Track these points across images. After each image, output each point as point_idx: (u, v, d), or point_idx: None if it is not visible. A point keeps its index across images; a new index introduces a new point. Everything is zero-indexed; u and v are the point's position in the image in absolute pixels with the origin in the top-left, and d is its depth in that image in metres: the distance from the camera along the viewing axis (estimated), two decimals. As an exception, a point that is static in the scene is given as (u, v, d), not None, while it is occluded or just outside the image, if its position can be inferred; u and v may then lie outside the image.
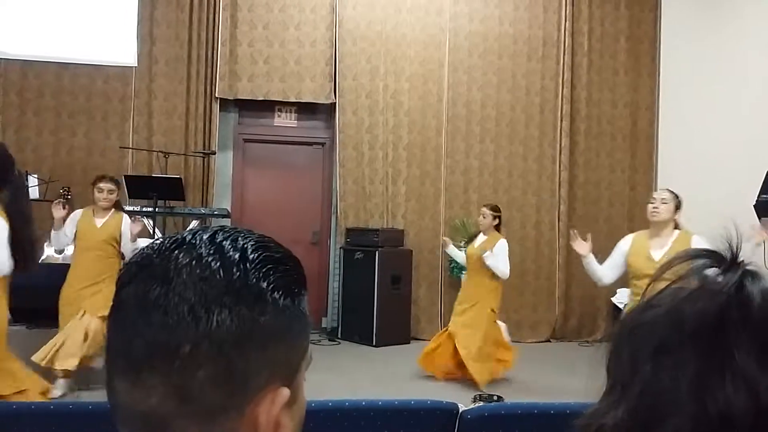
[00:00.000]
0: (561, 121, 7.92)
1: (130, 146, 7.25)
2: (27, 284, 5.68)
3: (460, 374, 5.52)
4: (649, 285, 0.59)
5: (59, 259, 6.65)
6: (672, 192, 4.24)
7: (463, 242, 7.48)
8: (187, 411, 0.54)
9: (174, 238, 0.59)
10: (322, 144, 7.99)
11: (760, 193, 5.57)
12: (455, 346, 5.45)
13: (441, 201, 7.79)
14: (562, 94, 7.92)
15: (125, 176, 6.60)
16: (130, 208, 6.32)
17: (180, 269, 0.56)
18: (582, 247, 4.49)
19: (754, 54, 6.52)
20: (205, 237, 0.59)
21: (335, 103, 7.61)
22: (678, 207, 4.17)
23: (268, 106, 7.76)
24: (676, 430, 0.49)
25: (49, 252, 6.65)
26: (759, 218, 5.42)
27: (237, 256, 0.58)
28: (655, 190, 8.00)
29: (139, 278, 0.57)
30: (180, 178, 6.61)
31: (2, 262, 2.90)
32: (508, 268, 5.51)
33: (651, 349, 0.52)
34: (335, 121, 7.65)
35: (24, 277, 5.77)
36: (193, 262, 0.56)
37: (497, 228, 5.70)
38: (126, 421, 0.56)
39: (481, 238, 5.73)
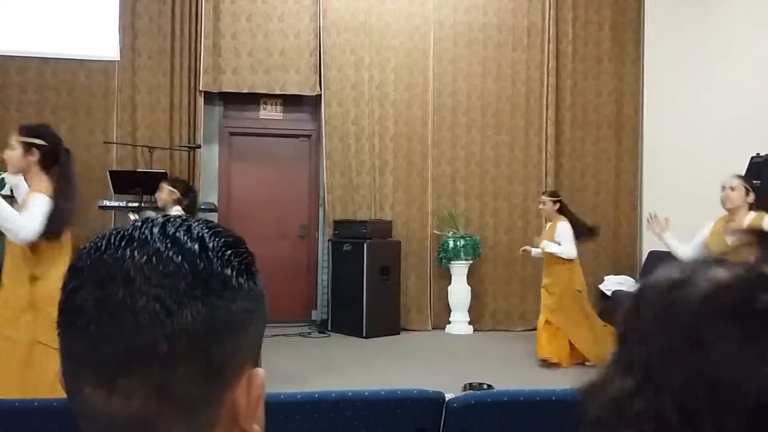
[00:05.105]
0: (546, 110, 7.93)
1: (115, 141, 7.20)
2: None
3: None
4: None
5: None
6: (741, 177, 4.41)
7: (451, 232, 7.53)
8: (171, 408, 0.54)
9: (119, 235, 0.57)
10: (308, 136, 7.96)
11: (744, 178, 5.61)
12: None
13: (428, 191, 7.79)
14: (548, 83, 7.93)
15: (110, 171, 6.56)
16: (116, 204, 6.29)
17: (140, 267, 0.54)
18: (658, 226, 4.68)
19: (738, 41, 6.55)
20: (156, 231, 0.57)
21: (321, 94, 7.58)
22: (749, 191, 4.30)
23: (253, 99, 7.72)
24: (720, 422, 0.47)
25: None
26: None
27: (196, 246, 0.56)
28: (642, 177, 8.09)
29: (93, 282, 0.54)
30: (165, 173, 6.56)
31: (32, 230, 3.01)
32: (572, 247, 5.69)
33: (686, 336, 0.50)
34: (321, 113, 7.62)
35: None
36: (153, 259, 0.54)
37: (561, 211, 5.87)
38: (103, 428, 0.55)
39: (547, 226, 5.97)
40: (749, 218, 4.23)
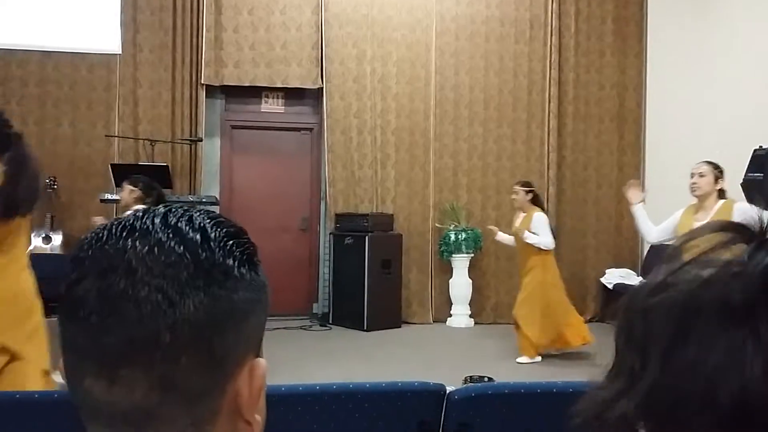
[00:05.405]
0: (549, 103, 7.92)
1: (116, 135, 7.20)
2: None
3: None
4: (667, 259, 0.54)
5: (47, 249, 6.62)
6: (710, 163, 4.21)
7: (452, 226, 7.53)
8: (173, 399, 0.54)
9: (121, 226, 0.56)
10: (310, 129, 7.96)
11: (747, 171, 5.60)
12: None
13: (430, 185, 7.79)
14: (550, 76, 7.91)
15: (111, 165, 6.57)
16: (117, 197, 6.29)
17: (142, 258, 0.54)
18: (634, 195, 4.57)
19: (740, 34, 6.52)
20: (157, 221, 0.57)
21: (322, 88, 7.57)
22: (718, 177, 4.15)
23: (254, 92, 7.71)
24: (694, 425, 0.46)
25: (36, 242, 6.62)
26: (746, 196, 5.46)
27: (198, 236, 0.56)
28: (644, 170, 8.08)
29: (95, 273, 0.54)
30: (167, 166, 6.58)
31: None
32: (550, 237, 5.59)
33: (665, 338, 0.49)
34: (323, 107, 7.61)
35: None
36: (155, 249, 0.54)
37: (534, 202, 5.75)
38: (105, 419, 0.55)
39: (520, 217, 5.81)
40: (718, 206, 4.10)
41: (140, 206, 4.47)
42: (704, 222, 4.00)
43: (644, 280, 0.55)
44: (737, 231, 0.51)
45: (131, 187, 4.66)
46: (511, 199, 6.03)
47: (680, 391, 0.47)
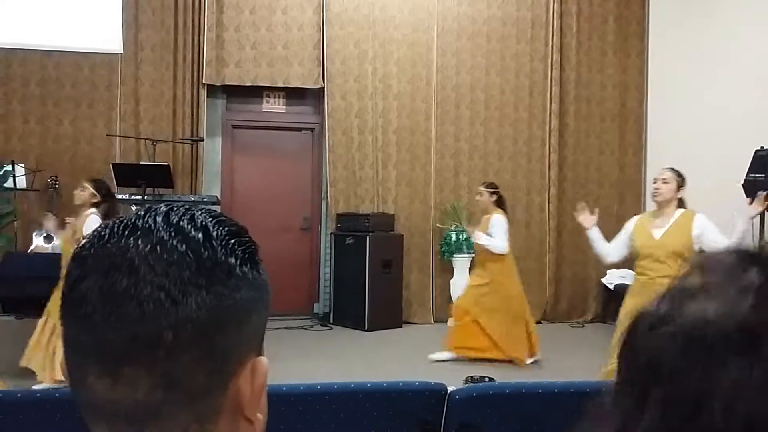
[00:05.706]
0: (550, 102, 7.91)
1: (117, 134, 7.20)
2: (16, 274, 5.67)
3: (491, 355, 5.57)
4: (671, 284, 0.53)
5: (48, 249, 6.62)
6: (674, 170, 4.17)
7: (453, 226, 7.52)
8: (175, 397, 0.54)
9: (123, 224, 0.57)
10: (312, 129, 7.96)
11: (748, 172, 5.60)
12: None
13: (431, 185, 7.78)
14: (551, 76, 7.91)
15: (113, 164, 6.56)
16: (119, 197, 6.29)
17: (144, 256, 0.54)
18: (587, 220, 4.47)
19: (742, 33, 6.52)
20: (159, 219, 0.57)
21: (324, 87, 7.57)
22: (681, 186, 4.11)
23: (256, 92, 7.71)
24: None
25: (37, 242, 6.62)
26: (747, 197, 5.45)
27: (200, 235, 0.56)
28: (646, 170, 8.07)
29: (97, 271, 0.54)
30: (168, 166, 6.57)
31: None
32: (504, 241, 5.41)
33: (668, 371, 0.48)
34: (324, 106, 7.61)
35: (13, 267, 5.75)
36: (158, 248, 0.54)
37: (499, 204, 5.64)
38: (107, 417, 0.55)
39: (484, 219, 5.72)
40: (678, 214, 4.05)
41: (93, 209, 4.49)
42: (663, 229, 3.97)
43: (644, 310, 0.53)
44: (751, 258, 0.51)
45: (93, 191, 4.63)
46: (476, 200, 5.94)
47: (686, 424, 0.46)
